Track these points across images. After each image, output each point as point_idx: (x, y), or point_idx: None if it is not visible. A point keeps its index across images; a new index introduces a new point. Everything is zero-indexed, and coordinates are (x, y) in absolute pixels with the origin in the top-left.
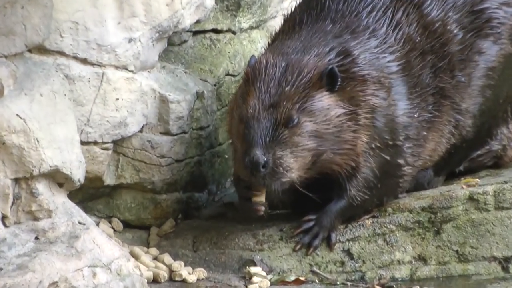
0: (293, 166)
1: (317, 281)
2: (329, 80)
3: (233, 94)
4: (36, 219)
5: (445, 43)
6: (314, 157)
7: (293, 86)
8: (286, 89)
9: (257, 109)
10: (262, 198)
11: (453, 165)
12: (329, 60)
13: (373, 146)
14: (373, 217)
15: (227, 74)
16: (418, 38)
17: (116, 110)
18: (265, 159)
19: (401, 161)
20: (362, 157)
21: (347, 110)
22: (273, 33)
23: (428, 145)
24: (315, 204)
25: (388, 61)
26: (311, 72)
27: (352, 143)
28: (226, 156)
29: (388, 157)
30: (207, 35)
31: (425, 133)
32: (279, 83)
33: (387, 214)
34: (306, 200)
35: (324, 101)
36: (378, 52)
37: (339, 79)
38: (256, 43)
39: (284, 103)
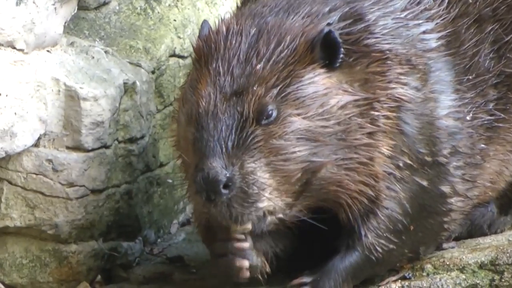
0: (272, 184)
1: None
2: (325, 52)
3: (182, 87)
4: None
5: None
6: (307, 174)
7: (269, 61)
8: (257, 68)
9: (213, 100)
10: (247, 225)
11: None
12: (328, 24)
13: (401, 164)
14: (403, 278)
15: (173, 55)
16: None
17: None
18: (228, 174)
19: (446, 188)
20: (384, 182)
21: (357, 97)
22: None
23: (489, 165)
24: (318, 256)
25: (424, 32)
26: (295, 39)
27: (366, 153)
28: (171, 182)
29: (425, 183)
30: None
31: (483, 145)
32: (246, 59)
33: (424, 274)
34: (308, 248)
35: (319, 83)
36: (408, 18)
37: (342, 49)
38: (218, 6)
39: (255, 87)
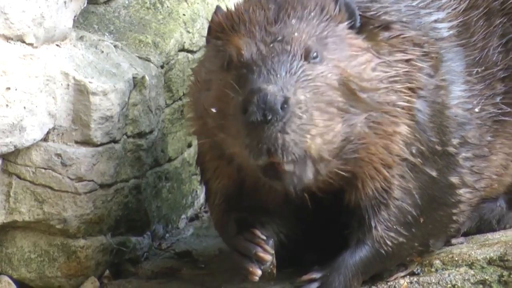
0: (319, 123)
1: None
2: (347, 13)
3: (190, 78)
4: None
5: None
6: (345, 129)
7: (302, 18)
8: (293, 22)
9: (255, 45)
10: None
11: None
12: None
13: (413, 151)
14: (412, 274)
15: (182, 50)
16: None
17: (7, 106)
18: (285, 95)
19: (454, 179)
20: (396, 170)
21: (382, 61)
22: None
23: (496, 158)
24: (326, 250)
25: (435, 21)
26: (321, 2)
27: (388, 127)
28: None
29: (434, 173)
30: None
31: (491, 138)
32: (276, 19)
33: (433, 269)
34: (316, 242)
35: (352, 41)
36: (419, 6)
37: (359, 14)
38: (227, 1)
39: (296, 34)
